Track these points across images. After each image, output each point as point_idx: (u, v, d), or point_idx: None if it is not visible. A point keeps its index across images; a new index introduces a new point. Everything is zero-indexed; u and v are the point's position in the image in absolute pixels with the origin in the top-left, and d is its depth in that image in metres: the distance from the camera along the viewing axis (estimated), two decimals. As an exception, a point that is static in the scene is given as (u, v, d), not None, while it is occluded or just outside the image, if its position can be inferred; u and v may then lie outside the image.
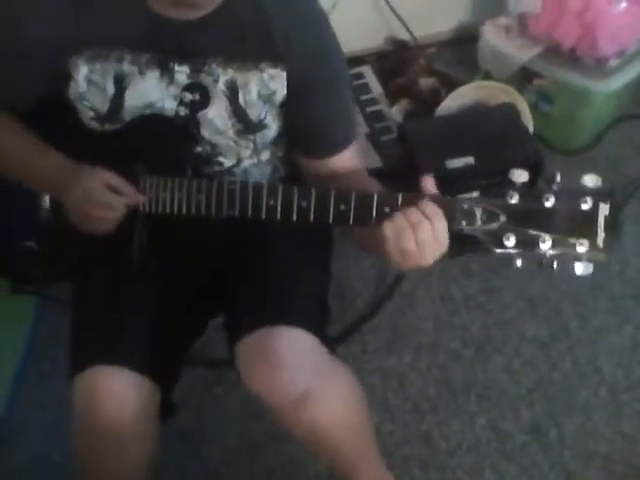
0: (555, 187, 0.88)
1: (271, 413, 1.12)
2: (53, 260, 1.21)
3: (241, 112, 1.10)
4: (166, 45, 1.06)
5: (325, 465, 1.47)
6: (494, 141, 1.76)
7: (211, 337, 1.29)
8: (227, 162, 1.17)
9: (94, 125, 1.13)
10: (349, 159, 1.15)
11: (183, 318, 1.20)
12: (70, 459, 1.21)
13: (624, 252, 1.89)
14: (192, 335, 1.26)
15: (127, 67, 1.07)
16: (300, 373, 1.06)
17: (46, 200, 1.18)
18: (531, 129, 1.92)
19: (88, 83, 1.08)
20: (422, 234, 0.88)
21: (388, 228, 0.90)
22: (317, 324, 1.14)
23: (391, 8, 2.30)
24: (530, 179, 1.77)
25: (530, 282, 1.82)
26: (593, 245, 0.85)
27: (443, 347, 1.73)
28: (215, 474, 1.57)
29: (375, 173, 1.90)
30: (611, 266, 1.85)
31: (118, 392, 1.08)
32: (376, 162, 2.02)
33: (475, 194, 1.72)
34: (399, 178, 1.92)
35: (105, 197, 1.05)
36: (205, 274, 1.24)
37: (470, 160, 1.73)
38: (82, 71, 1.07)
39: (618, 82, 1.99)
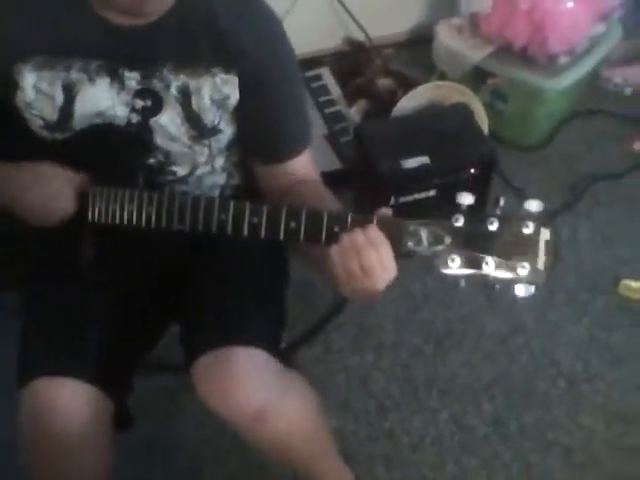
0: (499, 211, 0.90)
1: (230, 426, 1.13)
2: (2, 268, 1.19)
3: (194, 117, 1.10)
4: (115, 51, 1.05)
5: (289, 469, 1.48)
6: (448, 140, 1.79)
7: (174, 343, 1.28)
8: (181, 171, 1.16)
9: (44, 134, 1.11)
10: (304, 164, 1.16)
11: (136, 327, 1.20)
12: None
13: (578, 247, 1.94)
14: (146, 344, 1.25)
15: (76, 75, 1.06)
16: (255, 391, 1.07)
17: None
18: (485, 128, 1.96)
19: (36, 92, 1.07)
20: (367, 259, 0.90)
21: (334, 249, 0.92)
22: (272, 339, 1.15)
23: (346, 10, 2.32)
24: (483, 177, 1.81)
25: (481, 289, 1.85)
26: (534, 268, 0.88)
27: (405, 344, 1.76)
28: (181, 481, 1.57)
29: (334, 175, 1.94)
30: (566, 260, 1.89)
31: (66, 404, 1.06)
32: (335, 163, 2.04)
33: (432, 192, 1.77)
34: (357, 179, 1.96)
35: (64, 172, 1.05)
36: (158, 284, 1.24)
37: (425, 160, 1.75)
38: (29, 79, 1.06)
39: (569, 79, 2.04)
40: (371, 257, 0.90)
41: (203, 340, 1.11)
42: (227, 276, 1.19)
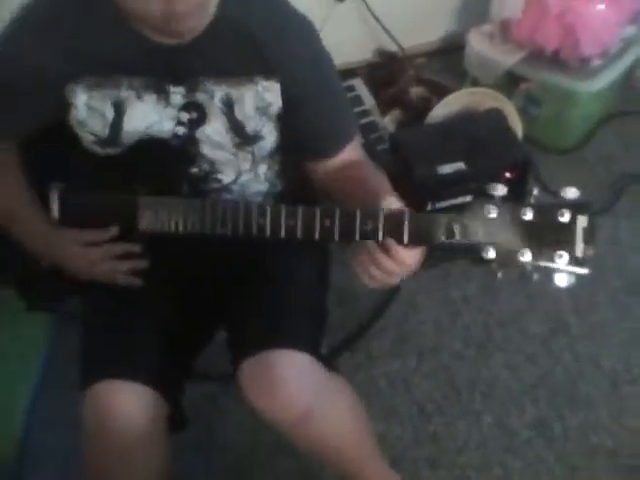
0: (533, 200, 0.89)
1: (275, 429, 1.16)
2: (64, 279, 1.24)
3: (238, 126, 1.14)
4: (160, 69, 1.10)
5: (333, 472, 1.50)
6: (483, 146, 1.80)
7: (217, 349, 1.31)
8: (226, 178, 1.21)
9: (96, 149, 1.16)
10: (352, 152, 1.19)
11: (187, 332, 1.24)
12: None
13: (620, 247, 1.93)
14: (197, 348, 1.29)
15: (125, 92, 1.11)
16: (300, 393, 1.10)
17: (55, 216, 1.21)
18: (520, 132, 1.96)
19: (88, 109, 1.12)
20: (387, 267, 0.95)
21: (356, 264, 0.98)
22: (315, 343, 1.18)
23: (378, 21, 2.35)
24: (519, 181, 1.82)
25: (519, 280, 1.85)
26: (572, 257, 0.87)
27: (446, 349, 1.77)
28: (227, 485, 1.59)
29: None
30: (608, 261, 1.88)
31: (126, 406, 1.11)
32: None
33: (468, 198, 1.78)
34: (393, 187, 1.98)
35: (86, 255, 1.15)
36: (206, 289, 1.28)
37: (461, 165, 1.77)
38: (81, 98, 1.11)
39: (603, 81, 2.03)
40: (391, 265, 0.94)
41: (248, 343, 1.14)
42: (270, 281, 1.22)
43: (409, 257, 0.95)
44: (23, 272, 1.28)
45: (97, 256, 1.14)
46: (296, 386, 1.10)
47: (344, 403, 1.22)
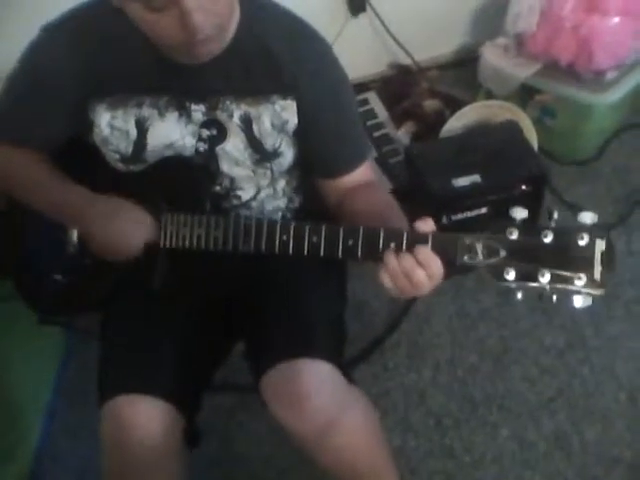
0: (553, 223, 0.92)
1: (295, 440, 1.17)
2: (79, 293, 1.26)
3: (256, 142, 1.16)
4: (181, 88, 1.12)
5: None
6: (499, 158, 1.80)
7: (233, 363, 1.32)
8: (245, 195, 1.22)
9: (120, 166, 1.18)
10: (363, 174, 1.20)
11: (205, 346, 1.25)
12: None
13: (635, 259, 1.92)
14: (214, 363, 1.30)
15: (147, 111, 1.13)
16: (322, 404, 1.11)
17: (74, 234, 1.23)
18: (535, 144, 1.96)
19: (111, 128, 1.14)
20: (416, 277, 0.94)
21: (384, 277, 0.96)
22: (336, 353, 1.19)
23: (391, 35, 2.37)
24: (535, 193, 1.81)
25: (538, 301, 1.85)
26: (590, 279, 0.89)
27: (462, 361, 1.77)
28: (244, 498, 1.60)
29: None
30: (623, 273, 1.87)
31: (144, 420, 1.12)
32: (386, 185, 2.07)
33: (484, 210, 1.78)
34: (408, 199, 1.98)
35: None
36: (225, 303, 1.29)
37: (477, 178, 1.77)
38: (104, 117, 1.14)
39: (617, 94, 2.03)
40: (420, 276, 0.94)
41: (270, 355, 1.15)
42: (290, 293, 1.23)
43: (434, 261, 0.94)
44: (36, 284, 1.29)
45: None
46: (319, 397, 1.11)
47: (363, 414, 1.22)
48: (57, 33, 1.12)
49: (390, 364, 1.78)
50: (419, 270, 0.94)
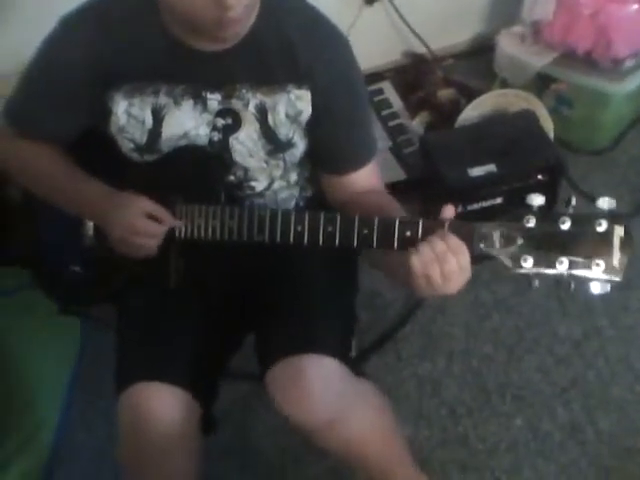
0: (571, 210, 0.91)
1: (303, 434, 1.17)
2: (97, 283, 1.27)
3: (270, 133, 1.15)
4: (198, 75, 1.12)
5: (362, 475, 1.51)
6: (515, 148, 1.79)
7: (247, 352, 1.33)
8: (259, 186, 1.22)
9: (134, 156, 1.19)
10: (367, 176, 1.20)
11: (219, 335, 1.25)
12: (121, 478, 1.25)
13: (651, 250, 1.91)
14: (228, 351, 1.30)
15: (163, 99, 1.13)
16: (328, 399, 1.11)
17: (90, 228, 1.24)
18: (551, 133, 1.95)
19: (128, 116, 1.14)
20: (448, 266, 0.93)
21: (415, 259, 0.94)
22: (343, 348, 1.19)
23: (406, 23, 2.36)
24: (551, 182, 1.80)
25: (556, 288, 1.84)
26: (609, 265, 0.88)
27: (476, 351, 1.76)
28: (259, 487, 1.61)
29: (400, 185, 1.97)
30: (638, 264, 1.86)
31: (161, 408, 1.12)
32: (400, 174, 2.07)
33: (499, 200, 1.78)
34: (423, 189, 1.98)
35: (146, 227, 1.10)
36: (237, 294, 1.29)
37: (492, 167, 1.76)
38: (122, 105, 1.14)
39: (635, 83, 2.02)
40: (452, 263, 0.93)
41: (276, 349, 1.15)
42: (299, 286, 1.23)
43: (465, 250, 0.93)
44: (55, 275, 1.31)
45: (157, 231, 1.12)
46: (323, 392, 1.11)
47: (371, 408, 1.22)
48: (75, 25, 1.12)
49: (404, 354, 1.78)
50: (451, 256, 0.93)
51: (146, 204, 1.11)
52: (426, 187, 1.92)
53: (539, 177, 1.73)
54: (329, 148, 1.18)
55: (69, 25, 1.13)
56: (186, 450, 1.18)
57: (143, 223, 1.10)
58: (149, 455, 1.14)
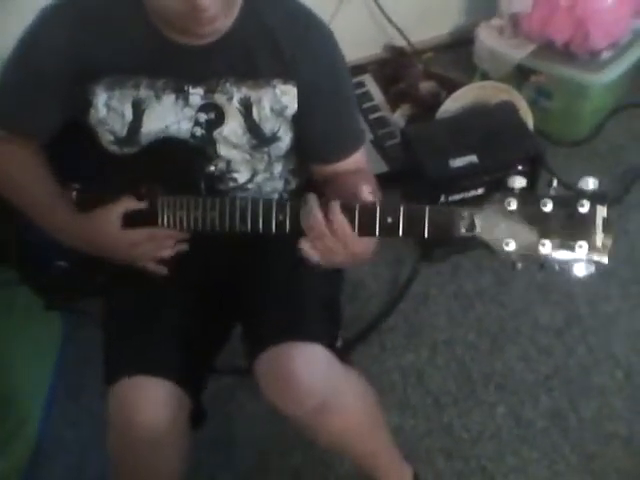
0: (552, 192, 0.90)
1: (292, 422, 1.17)
2: (83, 278, 1.27)
3: (255, 127, 1.15)
4: (181, 69, 1.11)
5: (351, 463, 1.52)
6: (495, 139, 1.81)
7: (233, 345, 1.33)
8: (241, 178, 1.22)
9: (114, 149, 1.18)
10: (355, 162, 1.20)
11: (207, 328, 1.25)
12: (105, 473, 1.24)
13: (630, 239, 1.93)
14: (216, 344, 1.30)
15: (144, 92, 1.12)
16: (314, 387, 1.11)
17: None
18: (531, 125, 1.97)
19: (107, 109, 1.14)
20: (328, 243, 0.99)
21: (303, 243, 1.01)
22: (329, 335, 1.19)
23: (386, 17, 2.36)
24: (531, 173, 1.82)
25: (540, 271, 1.86)
26: (592, 246, 0.88)
27: (459, 341, 1.78)
28: (246, 479, 1.61)
29: (382, 177, 1.97)
30: (619, 252, 1.87)
31: (150, 401, 1.12)
32: (382, 167, 2.08)
33: (480, 191, 1.79)
34: (405, 181, 1.99)
35: (140, 236, 1.13)
36: (223, 286, 1.29)
37: (473, 159, 1.77)
38: (101, 98, 1.13)
39: (613, 73, 2.03)
40: (330, 240, 0.99)
41: (263, 337, 1.16)
42: (284, 276, 1.23)
43: (346, 228, 0.97)
44: (41, 271, 1.30)
45: (141, 238, 1.14)
46: (310, 380, 1.11)
47: (358, 396, 1.23)
48: (54, 16, 1.11)
49: (388, 344, 1.79)
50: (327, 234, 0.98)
51: (120, 210, 1.13)
52: (408, 179, 1.93)
53: (519, 168, 1.74)
54: (317, 140, 1.18)
55: (48, 15, 1.12)
56: (175, 443, 1.18)
57: (123, 233, 1.13)
58: (138, 448, 1.14)
